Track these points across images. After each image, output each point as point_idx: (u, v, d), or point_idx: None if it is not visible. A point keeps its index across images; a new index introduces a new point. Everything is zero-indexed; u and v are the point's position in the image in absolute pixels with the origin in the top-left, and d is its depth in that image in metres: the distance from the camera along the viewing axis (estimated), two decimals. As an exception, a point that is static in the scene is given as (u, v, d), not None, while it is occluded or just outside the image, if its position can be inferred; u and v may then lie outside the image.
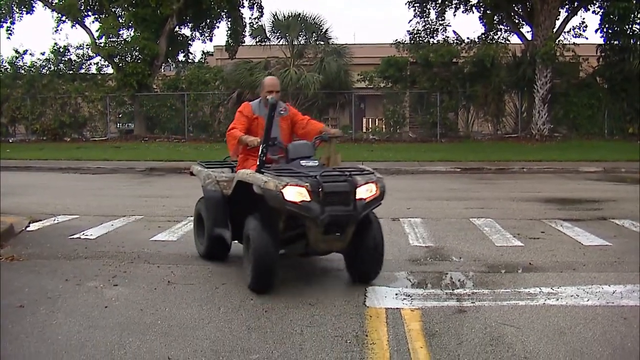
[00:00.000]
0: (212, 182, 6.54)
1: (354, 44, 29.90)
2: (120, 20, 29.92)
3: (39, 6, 30.34)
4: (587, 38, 27.56)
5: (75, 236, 8.20)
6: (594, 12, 27.31)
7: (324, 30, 27.09)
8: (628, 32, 25.78)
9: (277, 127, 6.16)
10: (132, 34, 29.48)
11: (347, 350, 4.26)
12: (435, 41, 28.91)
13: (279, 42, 27.19)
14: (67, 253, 7.22)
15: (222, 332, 4.58)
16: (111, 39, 29.10)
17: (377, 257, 5.83)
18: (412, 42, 28.72)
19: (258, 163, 5.65)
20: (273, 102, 5.77)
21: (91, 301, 5.36)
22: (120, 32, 29.56)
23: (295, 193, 5.23)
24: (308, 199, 5.25)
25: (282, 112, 6.33)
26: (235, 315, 5.00)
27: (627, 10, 25.05)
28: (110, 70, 30.49)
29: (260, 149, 5.68)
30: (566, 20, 27.04)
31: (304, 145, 5.97)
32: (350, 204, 5.39)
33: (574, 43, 26.60)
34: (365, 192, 5.48)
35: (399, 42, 28.45)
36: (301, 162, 5.65)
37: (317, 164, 5.69)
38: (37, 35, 68.14)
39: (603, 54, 26.60)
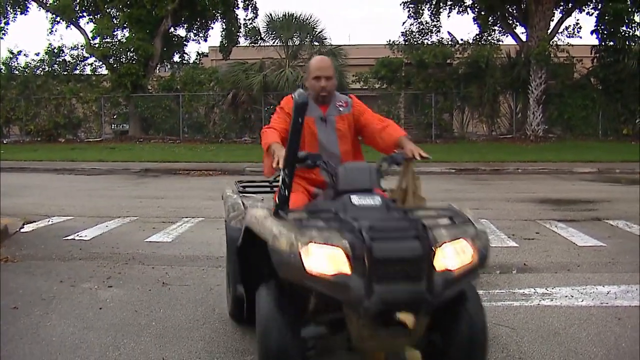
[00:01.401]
0: (239, 217, 4.25)
1: (349, 45, 29.92)
2: (115, 21, 29.93)
3: (33, 7, 30.37)
4: (581, 37, 27.76)
5: (69, 237, 8.17)
6: (588, 13, 27.45)
7: (318, 31, 27.12)
8: (622, 33, 25.87)
9: (329, 132, 4.23)
10: (127, 34, 29.46)
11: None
12: (429, 42, 28.98)
13: (273, 42, 27.20)
14: (62, 254, 7.20)
15: (216, 334, 4.57)
16: (106, 40, 29.10)
17: (476, 356, 3.38)
18: (406, 43, 28.78)
19: (277, 198, 3.38)
20: (299, 101, 3.12)
21: (85, 302, 5.34)
22: (115, 33, 29.61)
23: (323, 259, 2.98)
24: (346, 269, 2.96)
25: (340, 109, 4.28)
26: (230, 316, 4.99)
27: (621, 12, 25.17)
28: (104, 71, 30.50)
29: (282, 175, 3.35)
30: (560, 21, 27.15)
31: (361, 170, 3.56)
32: (421, 280, 3.00)
33: (568, 44, 26.72)
34: (451, 257, 3.13)
35: (393, 43, 28.50)
36: (353, 197, 3.33)
37: (379, 203, 3.32)
38: (31, 36, 68.04)
39: (597, 55, 26.72)
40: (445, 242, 3.12)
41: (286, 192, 3.30)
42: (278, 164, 3.47)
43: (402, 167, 3.88)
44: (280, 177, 3.35)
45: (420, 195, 3.88)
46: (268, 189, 5.05)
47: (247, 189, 5.07)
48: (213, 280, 6.04)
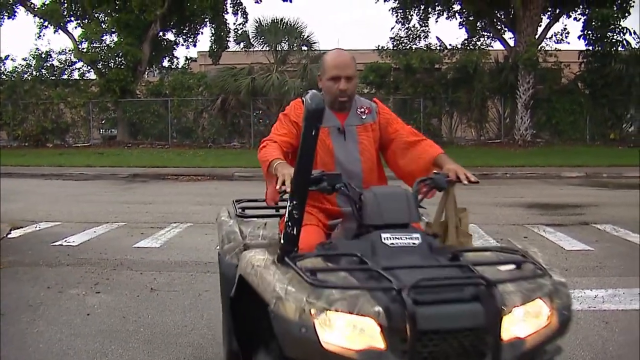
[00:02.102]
0: (235, 250, 3.32)
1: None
2: (103, 26, 29.83)
3: (21, 11, 30.22)
4: (569, 43, 27.97)
5: (57, 243, 8.14)
6: (575, 18, 27.63)
7: (307, 36, 27.15)
8: (609, 38, 26.06)
9: (349, 147, 3.30)
10: (115, 39, 29.37)
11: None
12: (418, 47, 29.08)
13: (262, 48, 27.21)
14: (49, 260, 7.16)
15: (205, 339, 4.56)
16: (94, 45, 29.02)
17: None
18: (394, 48, 28.86)
19: (283, 237, 2.45)
20: (313, 107, 2.21)
21: (73, 309, 5.31)
22: (103, 38, 29.50)
23: (347, 331, 2.18)
24: (379, 344, 2.17)
25: (362, 117, 3.36)
26: (218, 322, 4.93)
27: (608, 17, 25.36)
28: (93, 75, 30.35)
29: (289, 205, 2.39)
30: (548, 27, 27.33)
31: (395, 197, 2.65)
32: (484, 357, 2.24)
33: (556, 49, 26.88)
34: (523, 322, 2.33)
35: (382, 48, 28.57)
36: (384, 236, 2.48)
37: (417, 241, 2.48)
38: (19, 41, 67.69)
39: (584, 60, 26.87)
40: (517, 306, 2.27)
41: (294, 230, 2.34)
42: (283, 184, 2.66)
43: (444, 191, 3.03)
44: (287, 207, 2.34)
45: (465, 232, 3.00)
46: (273, 211, 3.98)
47: (247, 211, 4.04)
48: (202, 286, 6.02)
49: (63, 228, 9.27)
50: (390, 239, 2.46)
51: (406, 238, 2.48)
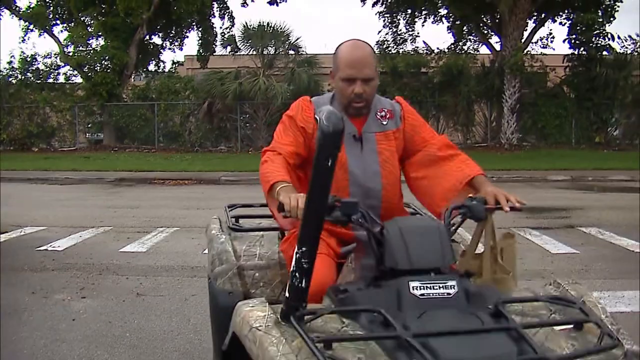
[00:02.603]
0: (228, 274, 2.90)
1: (325, 54, 29.97)
2: (90, 29, 29.66)
3: (5, 14, 30.00)
4: (554, 49, 28.12)
5: (42, 248, 8.08)
6: (560, 23, 27.80)
7: (294, 40, 27.17)
8: (594, 43, 26.26)
9: (367, 159, 2.76)
10: (102, 43, 29.26)
11: None
12: (404, 51, 29.17)
13: (249, 52, 27.19)
14: (34, 265, 7.12)
15: (191, 344, 4.54)
16: (80, 48, 28.84)
17: None
18: (381, 52, 28.94)
19: (288, 288, 1.92)
20: (330, 129, 1.69)
21: (58, 314, 5.28)
22: (89, 41, 29.32)
23: None
24: None
25: (383, 122, 2.80)
26: (205, 326, 4.93)
27: (593, 22, 25.55)
28: (79, 79, 30.18)
29: (296, 253, 1.86)
30: (534, 31, 27.48)
31: (426, 233, 2.13)
32: None
33: (541, 53, 27.06)
34: None
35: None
36: (413, 284, 1.98)
37: (453, 291, 1.99)
38: (3, 44, 67.36)
39: (570, 65, 27.05)
40: None
41: (303, 282, 1.88)
42: (283, 211, 2.24)
43: (482, 220, 2.49)
44: (294, 256, 1.87)
45: (505, 268, 2.44)
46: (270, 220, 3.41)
47: (241, 221, 3.56)
48: (188, 290, 6.00)
49: (48, 233, 9.22)
50: (420, 288, 1.98)
51: (440, 287, 2.00)
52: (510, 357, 1.72)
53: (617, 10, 26.47)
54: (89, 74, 28.77)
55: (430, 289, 1.98)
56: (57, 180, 18.26)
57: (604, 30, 26.17)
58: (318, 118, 1.76)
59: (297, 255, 1.87)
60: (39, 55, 30.26)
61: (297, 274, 1.89)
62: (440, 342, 1.74)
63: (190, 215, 10.88)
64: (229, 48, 28.16)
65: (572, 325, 1.99)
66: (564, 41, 26.86)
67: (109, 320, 5.10)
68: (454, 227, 2.42)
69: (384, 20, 29.70)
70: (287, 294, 1.92)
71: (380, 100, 2.84)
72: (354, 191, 2.68)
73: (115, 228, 9.62)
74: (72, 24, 29.95)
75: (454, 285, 1.99)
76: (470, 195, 2.53)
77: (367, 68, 2.65)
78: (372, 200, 2.65)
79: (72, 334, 4.77)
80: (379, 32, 30.14)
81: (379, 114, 2.80)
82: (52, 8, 30.06)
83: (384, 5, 29.35)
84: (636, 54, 27.41)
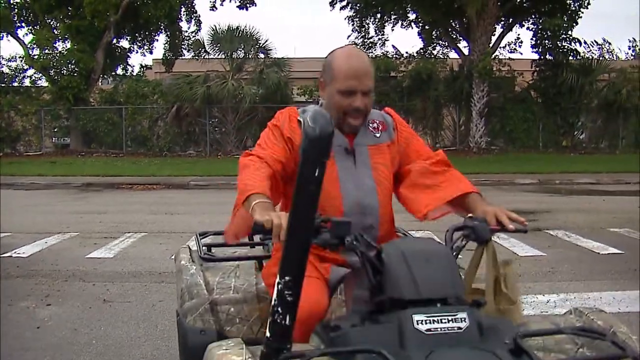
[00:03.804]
0: (199, 310, 2.63)
1: (294, 58, 30.00)
2: (55, 32, 29.30)
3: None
4: (521, 53, 28.49)
5: (6, 255, 7.92)
6: (528, 28, 28.15)
7: (263, 43, 27.12)
8: (560, 48, 26.63)
9: (360, 173, 2.50)
10: (68, 46, 28.90)
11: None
12: (374, 55, 29.28)
13: (218, 55, 27.08)
14: (-2, 272, 6.98)
15: (159, 351, 4.49)
16: (45, 51, 28.45)
17: None
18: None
19: (269, 327, 1.59)
20: (317, 133, 1.44)
21: (23, 322, 5.18)
22: (55, 44, 28.95)
23: None
24: None
25: (375, 134, 2.58)
26: (172, 333, 4.86)
27: (559, 27, 25.92)
28: (44, 83, 29.78)
29: (278, 284, 1.55)
30: (502, 36, 27.81)
31: (432, 259, 1.82)
32: None
33: (509, 58, 27.37)
34: None
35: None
36: (416, 318, 1.67)
37: (464, 324, 1.67)
38: (-32, 47, 66.18)
39: (537, 69, 27.40)
40: None
41: (286, 319, 1.57)
42: (263, 231, 1.94)
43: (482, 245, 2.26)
44: (275, 287, 1.58)
45: (511, 297, 2.22)
46: (248, 246, 3.24)
47: (213, 250, 3.18)
48: (155, 296, 5.94)
49: (13, 239, 9.05)
50: (426, 322, 1.68)
51: (449, 320, 1.69)
52: None
53: (581, 17, 26.93)
54: (55, 77, 28.38)
55: (438, 322, 1.68)
56: (22, 185, 17.96)
57: (570, 35, 26.56)
58: (302, 120, 1.52)
59: (280, 286, 1.57)
60: (3, 58, 29.83)
61: (279, 309, 1.58)
62: None
63: (159, 221, 10.78)
64: (195, 52, 28.01)
65: None
66: (531, 47, 27.22)
67: (75, 328, 5.02)
68: (456, 252, 2.15)
69: (353, 25, 29.82)
70: (267, 333, 1.62)
71: (375, 114, 2.62)
72: (348, 209, 2.39)
73: (81, 234, 9.48)
74: (38, 26, 29.56)
75: (465, 318, 1.70)
76: (470, 215, 2.29)
77: (367, 79, 2.42)
78: (369, 219, 2.41)
79: (37, 342, 4.68)
80: (349, 36, 30.23)
81: (370, 125, 2.56)
82: (16, 10, 29.60)
83: (353, 10, 29.45)
84: (602, 58, 27.91)
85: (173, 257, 3.18)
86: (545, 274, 6.80)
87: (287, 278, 1.54)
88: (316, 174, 1.45)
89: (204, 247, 3.13)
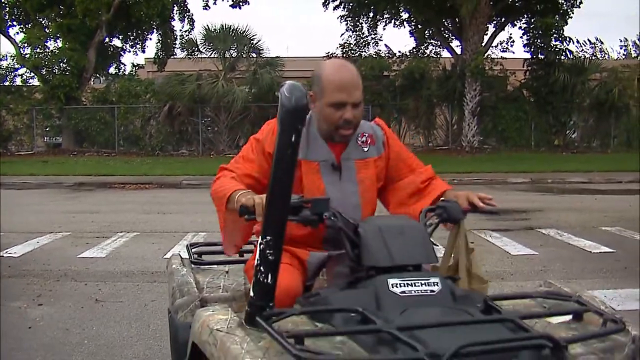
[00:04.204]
0: (190, 307, 2.64)
1: (287, 57, 29.98)
2: (47, 31, 29.17)
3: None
4: (513, 52, 28.56)
5: (-2, 254, 7.90)
6: (520, 27, 28.19)
7: (256, 43, 27.08)
8: (552, 47, 26.69)
9: (346, 188, 2.55)
10: (60, 45, 28.79)
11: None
12: (366, 54, 29.30)
13: (210, 54, 27.03)
14: (-11, 272, 6.95)
15: (151, 350, 4.48)
16: (37, 50, 28.33)
17: None
18: (344, 55, 29.02)
19: (253, 287, 1.72)
20: (293, 105, 1.64)
21: (14, 322, 5.15)
22: (47, 43, 28.82)
23: None
24: None
25: (364, 148, 2.60)
26: (165, 332, 4.84)
27: (551, 26, 25.98)
28: (36, 82, 29.67)
29: (259, 244, 1.70)
30: (494, 35, 27.85)
31: (405, 231, 2.02)
32: None
33: (501, 57, 27.42)
34: None
35: (331, 55, 28.70)
36: (391, 282, 1.82)
37: (437, 288, 1.84)
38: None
39: (529, 68, 27.46)
40: None
41: (269, 277, 1.68)
42: (248, 212, 2.05)
43: (452, 227, 2.47)
44: (257, 246, 1.70)
45: (480, 276, 2.41)
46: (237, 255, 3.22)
47: (204, 257, 3.39)
48: (148, 296, 5.92)
49: (5, 239, 8.99)
50: (400, 285, 1.80)
51: (422, 284, 1.81)
52: (512, 341, 1.54)
53: (571, 17, 27.01)
54: (47, 76, 28.27)
55: (412, 286, 1.82)
56: (14, 185, 17.88)
57: (562, 34, 26.61)
58: (279, 94, 1.65)
59: (262, 246, 1.67)
60: (-6, 57, 29.69)
61: (261, 268, 1.68)
62: (427, 333, 1.54)
63: (151, 220, 10.75)
64: (189, 51, 27.95)
65: (571, 317, 1.86)
66: (524, 46, 27.29)
67: (67, 328, 5.00)
68: (430, 229, 2.32)
69: (346, 24, 29.81)
70: (251, 293, 1.71)
71: (360, 124, 2.59)
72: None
73: (73, 233, 9.45)
74: (29, 25, 29.42)
75: (437, 282, 1.84)
76: (443, 198, 2.48)
77: (357, 91, 2.47)
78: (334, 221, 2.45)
79: (29, 342, 4.66)
80: (342, 35, 30.23)
81: (359, 139, 2.58)
82: (8, 9, 29.46)
83: (346, 9, 29.44)
84: (594, 58, 28.00)
85: (166, 259, 3.25)
86: (538, 272, 6.81)
87: (268, 237, 1.66)
88: (292, 140, 1.62)
89: (194, 255, 3.31)
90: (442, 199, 2.49)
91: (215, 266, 3.18)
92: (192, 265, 3.17)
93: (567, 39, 26.96)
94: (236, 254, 2.84)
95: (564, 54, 27.03)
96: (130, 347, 4.54)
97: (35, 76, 29.19)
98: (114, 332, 4.88)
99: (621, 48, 33.93)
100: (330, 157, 2.53)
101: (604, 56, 30.43)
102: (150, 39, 32.16)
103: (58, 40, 29.06)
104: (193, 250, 3.41)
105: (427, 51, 30.00)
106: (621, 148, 26.59)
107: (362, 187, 2.56)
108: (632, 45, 41.64)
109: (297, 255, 2.47)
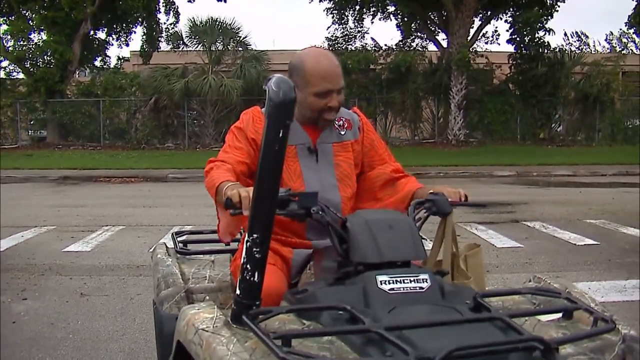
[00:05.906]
0: (175, 298, 2.66)
1: (274, 50, 29.90)
2: (31, 23, 28.90)
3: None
4: (499, 44, 28.69)
5: (-19, 249, 7.85)
6: (506, 21, 28.29)
7: (242, 36, 26.99)
8: (536, 40, 26.80)
9: (323, 171, 2.58)
10: (44, 37, 28.55)
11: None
12: (353, 48, 29.29)
13: (196, 47, 26.91)
14: (-27, 266, 6.90)
15: (136, 344, 4.46)
16: (20, 43, 28.07)
17: None
18: (330, 48, 28.99)
19: (239, 285, 1.70)
20: (281, 98, 1.60)
21: (-2, 316, 5.13)
22: (31, 36, 28.57)
23: None
24: None
25: (341, 132, 2.65)
26: (150, 326, 4.83)
27: (535, 19, 26.08)
28: (20, 75, 29.42)
29: (247, 242, 1.66)
30: (480, 29, 27.92)
31: (394, 225, 1.97)
32: None
33: (487, 50, 27.51)
34: None
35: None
36: (380, 278, 1.79)
37: (426, 284, 1.81)
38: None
39: (514, 62, 27.57)
40: None
41: (255, 276, 1.66)
42: (234, 207, 2.00)
43: (441, 219, 2.46)
44: (244, 243, 1.68)
45: (466, 273, 2.39)
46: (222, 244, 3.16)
47: (190, 246, 3.36)
48: (133, 289, 5.90)
49: (-12, 233, 8.95)
50: (389, 282, 1.78)
51: (410, 280, 1.80)
52: (503, 344, 1.51)
53: (557, 10, 27.09)
54: (31, 69, 28.04)
55: (401, 282, 1.79)
56: (-2, 178, 17.75)
57: (545, 27, 26.70)
58: (267, 88, 1.62)
59: (248, 243, 1.64)
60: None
61: (248, 266, 1.66)
62: (417, 334, 1.53)
63: (137, 214, 10.71)
64: (173, 44, 27.82)
65: (560, 315, 1.83)
66: (507, 41, 27.38)
67: (52, 322, 4.97)
68: (419, 223, 2.29)
69: (332, 17, 29.78)
70: (237, 291, 1.69)
71: (343, 113, 2.68)
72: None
73: (59, 227, 9.40)
74: (12, 17, 29.12)
75: (426, 279, 1.82)
76: (431, 191, 2.45)
77: (340, 78, 2.50)
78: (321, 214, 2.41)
79: (13, 337, 4.62)
80: (328, 28, 30.23)
81: (337, 123, 2.63)
82: (-10, 1, 29.19)
83: (332, 2, 29.40)
84: (578, 51, 28.14)
85: (151, 250, 3.25)
86: (523, 265, 6.85)
87: (255, 235, 1.63)
88: (280, 135, 1.58)
89: (180, 244, 3.28)
90: (431, 192, 2.47)
91: (201, 256, 3.14)
92: (178, 255, 3.17)
93: (551, 32, 27.09)
94: (229, 239, 2.68)
95: (546, 47, 27.13)
96: (116, 341, 4.53)
97: (19, 69, 28.94)
98: (99, 326, 4.86)
99: (606, 41, 34.04)
100: (307, 141, 2.57)
101: (588, 50, 30.57)
102: (136, 32, 32.00)
103: (42, 33, 28.83)
104: (179, 239, 3.39)
105: (414, 44, 30.06)
106: (605, 141, 26.80)
107: (339, 170, 2.60)
108: (616, 40, 41.98)
109: (281, 253, 2.48)
